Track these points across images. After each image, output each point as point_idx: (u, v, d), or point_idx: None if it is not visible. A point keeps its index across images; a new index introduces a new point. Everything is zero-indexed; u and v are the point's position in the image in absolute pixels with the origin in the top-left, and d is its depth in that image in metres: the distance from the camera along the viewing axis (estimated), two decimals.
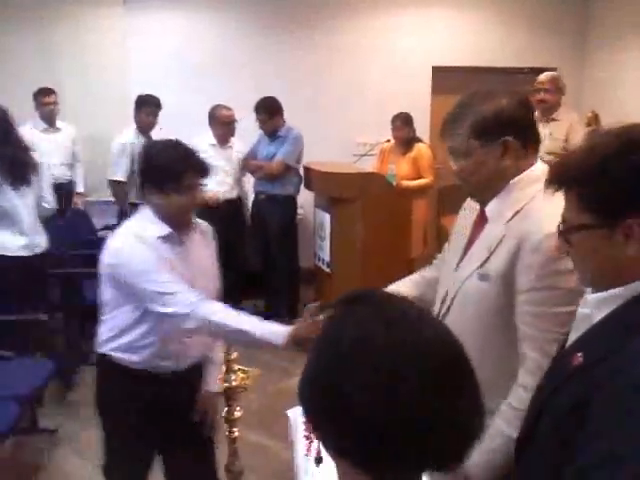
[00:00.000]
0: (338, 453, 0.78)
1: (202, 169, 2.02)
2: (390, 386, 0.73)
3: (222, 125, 4.99)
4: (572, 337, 1.17)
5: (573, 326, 1.19)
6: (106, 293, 2.11)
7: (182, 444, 2.21)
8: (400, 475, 0.77)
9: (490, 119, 1.48)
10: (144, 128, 4.97)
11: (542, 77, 4.44)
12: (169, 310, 1.93)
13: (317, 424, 0.79)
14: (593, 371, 0.98)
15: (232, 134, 5.07)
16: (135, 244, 1.98)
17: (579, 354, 1.04)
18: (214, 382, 2.22)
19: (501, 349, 1.51)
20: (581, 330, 1.12)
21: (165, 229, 2.03)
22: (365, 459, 0.76)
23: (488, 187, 1.55)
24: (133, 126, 4.98)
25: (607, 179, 0.99)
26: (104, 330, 2.16)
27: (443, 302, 1.66)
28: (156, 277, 1.94)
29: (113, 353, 2.12)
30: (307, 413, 0.80)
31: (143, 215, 2.07)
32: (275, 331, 1.89)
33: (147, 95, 4.97)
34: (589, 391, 0.96)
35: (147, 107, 4.91)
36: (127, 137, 4.93)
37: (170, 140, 2.09)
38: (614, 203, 0.99)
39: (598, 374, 0.97)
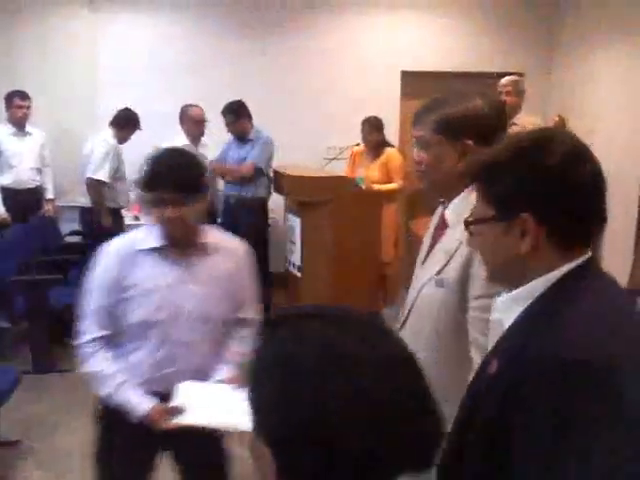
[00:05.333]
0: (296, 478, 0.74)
1: (177, 185, 1.83)
2: (366, 394, 0.71)
3: (193, 123, 5.00)
4: (489, 345, 1.19)
5: (490, 332, 1.22)
6: None
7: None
8: None
9: (455, 119, 1.51)
10: (120, 142, 5.05)
11: (504, 81, 4.52)
12: (78, 334, 1.97)
13: (280, 451, 0.74)
14: (505, 377, 0.99)
15: (202, 133, 5.08)
16: (106, 255, 1.95)
17: (494, 361, 1.06)
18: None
19: (455, 355, 1.50)
20: (495, 336, 1.14)
21: (157, 241, 1.93)
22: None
23: (444, 185, 1.58)
24: (110, 132, 5.00)
25: (510, 175, 1.04)
26: None
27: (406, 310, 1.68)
28: (91, 296, 1.96)
29: None
30: (269, 442, 0.75)
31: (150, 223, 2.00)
32: (135, 405, 1.91)
33: (135, 114, 5.03)
34: (507, 392, 0.97)
35: (139, 125, 5.03)
36: (113, 141, 4.95)
37: (172, 149, 2.04)
38: (513, 198, 1.04)
39: (511, 374, 0.98)
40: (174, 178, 1.85)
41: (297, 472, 0.73)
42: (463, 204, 1.53)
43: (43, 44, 5.69)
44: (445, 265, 1.51)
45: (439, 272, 1.52)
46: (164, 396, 1.92)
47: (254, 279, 2.12)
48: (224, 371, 2.02)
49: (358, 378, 0.71)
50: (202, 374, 2.00)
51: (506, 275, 1.12)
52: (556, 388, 0.91)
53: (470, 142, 1.50)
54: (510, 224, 1.05)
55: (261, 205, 5.12)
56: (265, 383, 0.76)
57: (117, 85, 5.58)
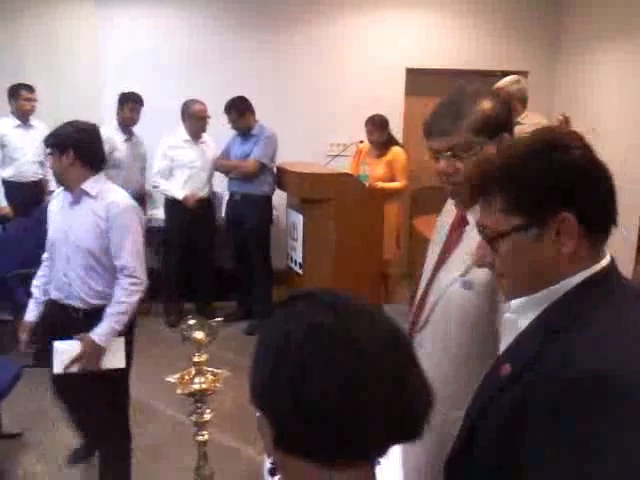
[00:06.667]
0: (292, 452, 0.78)
1: (48, 142, 2.62)
2: (347, 372, 0.74)
3: (195, 120, 5.00)
4: (502, 344, 1.16)
5: (502, 332, 1.18)
6: None
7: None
8: (357, 462, 0.78)
9: (492, 117, 1.47)
10: (126, 123, 5.09)
11: (500, 83, 4.28)
12: None
13: (275, 423, 0.79)
14: (521, 379, 0.97)
15: (204, 129, 5.08)
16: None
17: (507, 365, 1.03)
18: (99, 331, 2.50)
19: (482, 357, 1.45)
20: (509, 337, 1.11)
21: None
22: (325, 451, 0.76)
23: None
24: (114, 123, 5.08)
25: (539, 175, 0.98)
26: None
27: (421, 309, 1.62)
28: None
29: None
30: (265, 413, 0.80)
31: None
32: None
33: (129, 92, 5.07)
34: (522, 399, 0.95)
35: (129, 103, 5.04)
36: (108, 132, 4.92)
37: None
38: (547, 198, 0.98)
39: (527, 381, 0.96)
40: (49, 137, 2.63)
41: (290, 440, 0.78)
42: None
43: (47, 39, 5.68)
44: (470, 266, 1.45)
45: (464, 273, 1.48)
46: (64, 307, 2.62)
47: (124, 232, 2.55)
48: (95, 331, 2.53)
49: (342, 353, 0.75)
50: (76, 292, 2.59)
51: (534, 283, 1.04)
52: (572, 397, 0.89)
53: (507, 135, 1.46)
54: (544, 227, 0.99)
55: (266, 201, 5.12)
56: (261, 361, 0.81)
57: (120, 80, 5.58)
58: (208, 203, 5.20)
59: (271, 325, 0.83)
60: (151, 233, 5.33)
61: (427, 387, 0.81)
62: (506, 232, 1.02)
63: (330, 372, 0.74)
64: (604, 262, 1.01)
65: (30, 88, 5.13)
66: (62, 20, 5.70)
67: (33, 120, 5.24)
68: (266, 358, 0.79)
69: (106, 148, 4.87)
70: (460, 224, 1.58)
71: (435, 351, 1.55)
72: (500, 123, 1.47)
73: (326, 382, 0.74)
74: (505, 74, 4.67)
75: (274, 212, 5.41)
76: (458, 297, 1.50)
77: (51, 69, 5.66)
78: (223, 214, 5.34)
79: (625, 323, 0.97)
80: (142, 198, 5.24)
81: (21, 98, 5.10)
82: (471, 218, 1.54)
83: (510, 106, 1.55)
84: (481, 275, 1.43)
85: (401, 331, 0.83)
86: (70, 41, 5.73)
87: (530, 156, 1.01)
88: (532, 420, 0.93)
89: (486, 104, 1.48)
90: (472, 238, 1.46)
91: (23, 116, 5.15)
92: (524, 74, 5.90)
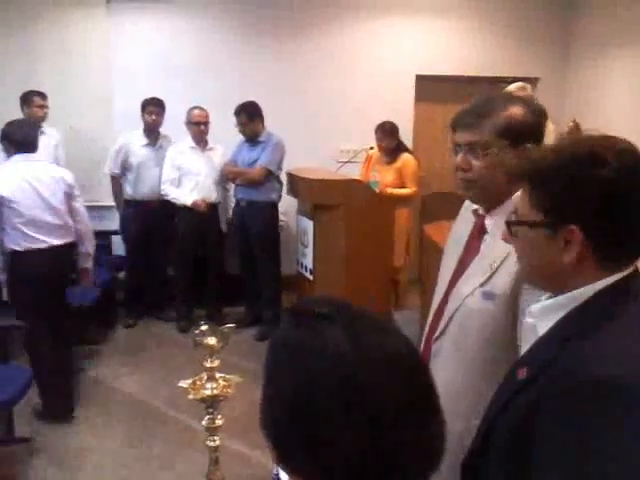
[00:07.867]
0: (296, 474, 0.77)
1: None
2: (367, 405, 0.72)
3: (194, 125, 5.04)
4: (522, 348, 1.18)
5: (522, 337, 1.20)
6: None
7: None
8: None
9: (519, 123, 1.45)
10: (150, 127, 5.16)
11: (511, 87, 4.38)
12: None
13: (286, 450, 0.77)
14: (536, 382, 0.99)
15: (204, 134, 5.11)
16: None
17: (524, 368, 1.05)
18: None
19: (499, 364, 1.39)
20: (529, 341, 1.12)
21: None
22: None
23: (497, 193, 1.49)
24: (140, 129, 5.19)
25: (562, 183, 1.00)
26: None
27: (439, 319, 1.60)
28: None
29: None
30: (275, 438, 0.78)
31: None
32: None
33: (150, 97, 5.16)
34: (535, 401, 0.97)
35: (150, 107, 5.12)
36: (127, 138, 5.15)
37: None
38: (562, 207, 1.01)
39: (541, 383, 0.98)
40: None
41: (293, 463, 0.77)
42: (507, 214, 1.49)
43: (59, 44, 5.71)
44: (490, 277, 1.44)
45: (484, 283, 1.46)
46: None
47: None
48: None
49: (360, 379, 0.72)
50: None
51: (544, 279, 1.10)
52: (572, 398, 0.90)
53: (530, 146, 1.43)
54: (556, 233, 1.02)
55: (272, 208, 5.14)
56: (281, 370, 0.79)
57: (131, 85, 5.62)
58: (214, 208, 5.23)
59: (284, 339, 0.81)
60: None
61: (441, 413, 0.78)
62: (523, 222, 1.08)
63: (337, 389, 0.72)
64: (625, 272, 1.02)
65: (43, 95, 5.16)
66: (74, 26, 5.71)
67: (45, 127, 5.27)
68: (288, 374, 0.78)
69: (122, 153, 5.01)
70: (479, 232, 1.56)
71: (452, 359, 1.54)
72: (525, 131, 1.45)
73: (347, 408, 0.71)
74: (515, 80, 4.67)
75: (284, 218, 5.41)
76: (478, 307, 1.47)
77: (63, 74, 5.68)
78: (231, 218, 5.37)
79: (628, 325, 0.98)
80: (166, 202, 5.25)
81: (34, 105, 5.13)
82: (489, 227, 1.52)
83: (543, 117, 1.52)
84: (502, 285, 1.42)
85: (413, 349, 0.80)
86: (82, 46, 5.74)
87: (562, 162, 1.02)
88: (538, 421, 0.94)
89: (515, 110, 1.47)
90: (492, 248, 1.47)
91: (36, 123, 5.19)
92: (535, 80, 5.90)
